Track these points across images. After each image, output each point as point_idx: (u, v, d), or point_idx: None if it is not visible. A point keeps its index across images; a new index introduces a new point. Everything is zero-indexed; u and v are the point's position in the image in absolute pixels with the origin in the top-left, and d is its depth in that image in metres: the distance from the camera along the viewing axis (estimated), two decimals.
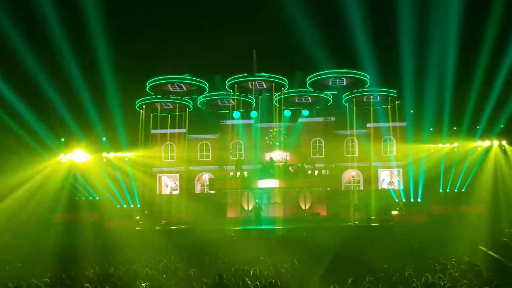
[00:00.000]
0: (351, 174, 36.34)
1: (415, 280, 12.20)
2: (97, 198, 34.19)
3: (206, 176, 37.08)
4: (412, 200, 31.25)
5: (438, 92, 31.07)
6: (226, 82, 33.83)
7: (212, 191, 33.71)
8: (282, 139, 35.50)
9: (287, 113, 35.76)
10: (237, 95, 34.53)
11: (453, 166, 32.53)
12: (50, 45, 27.32)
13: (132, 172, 34.84)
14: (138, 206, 33.64)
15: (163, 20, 30.47)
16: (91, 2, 26.08)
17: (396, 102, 34.69)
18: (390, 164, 35.20)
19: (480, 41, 27.27)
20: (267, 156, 34.26)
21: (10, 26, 25.82)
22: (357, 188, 35.84)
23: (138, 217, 31.80)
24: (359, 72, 32.25)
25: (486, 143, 32.41)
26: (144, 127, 36.42)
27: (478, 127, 31.56)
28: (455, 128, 32.76)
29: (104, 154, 35.09)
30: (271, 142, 35.47)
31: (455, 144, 33.19)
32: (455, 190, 31.76)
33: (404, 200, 31.49)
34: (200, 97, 35.53)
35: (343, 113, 35.62)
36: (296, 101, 36.47)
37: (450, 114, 31.46)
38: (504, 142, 32.33)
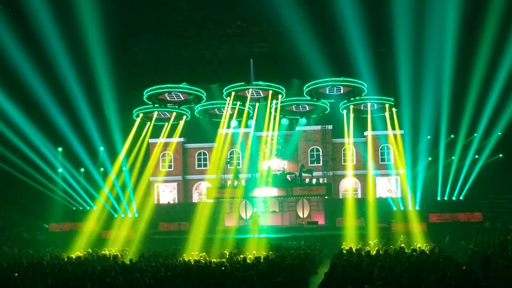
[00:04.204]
0: (349, 182, 36.28)
1: None
2: (94, 207, 33.97)
3: (203, 185, 36.97)
4: (410, 208, 31.04)
5: (435, 100, 31.02)
6: (224, 91, 33.84)
7: (209, 200, 33.57)
8: (280, 147, 35.48)
9: (284, 121, 35.76)
10: (235, 104, 34.52)
11: (451, 173, 32.41)
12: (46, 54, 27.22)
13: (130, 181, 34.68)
14: (136, 215, 33.24)
15: (161, 27, 30.39)
16: (89, 9, 26.06)
17: (394, 109, 34.73)
18: (387, 172, 35.17)
19: (478, 47, 27.32)
20: (265, 165, 34.19)
21: (8, 38, 25.80)
22: (355, 196, 35.76)
23: None
24: (356, 80, 32.23)
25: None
26: (141, 136, 36.34)
27: (475, 134, 31.46)
28: (452, 136, 32.70)
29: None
30: (268, 151, 35.43)
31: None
32: (453, 198, 31.62)
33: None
34: (197, 106, 35.54)
35: (340, 121, 35.65)
36: (294, 109, 36.50)
37: (447, 121, 31.40)
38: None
